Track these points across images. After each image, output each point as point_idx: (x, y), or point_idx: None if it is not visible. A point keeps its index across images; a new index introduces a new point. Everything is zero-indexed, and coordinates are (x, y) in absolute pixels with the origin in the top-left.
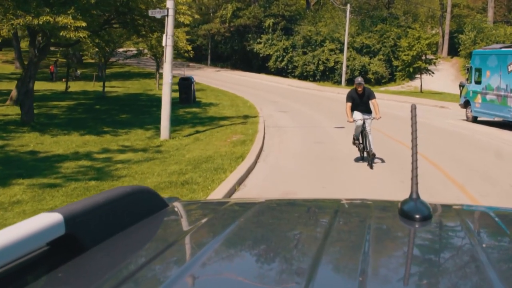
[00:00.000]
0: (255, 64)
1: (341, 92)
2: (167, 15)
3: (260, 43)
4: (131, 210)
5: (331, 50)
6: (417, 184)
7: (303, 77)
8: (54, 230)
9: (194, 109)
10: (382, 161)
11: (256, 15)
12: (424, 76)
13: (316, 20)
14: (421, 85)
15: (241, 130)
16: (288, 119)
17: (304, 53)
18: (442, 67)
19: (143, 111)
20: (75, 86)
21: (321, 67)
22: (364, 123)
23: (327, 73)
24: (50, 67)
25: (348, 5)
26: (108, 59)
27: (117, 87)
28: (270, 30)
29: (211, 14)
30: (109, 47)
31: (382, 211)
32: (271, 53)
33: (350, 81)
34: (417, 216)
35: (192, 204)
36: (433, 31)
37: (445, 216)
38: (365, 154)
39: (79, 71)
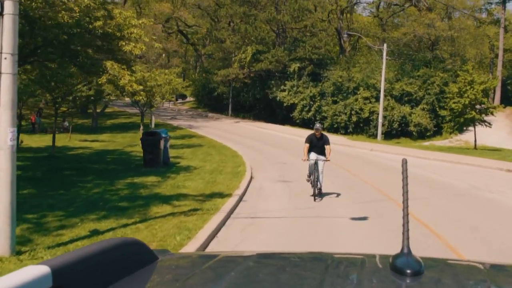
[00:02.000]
0: (279, 114)
1: (375, 149)
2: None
3: (284, 90)
4: (121, 262)
5: (366, 98)
6: (408, 238)
7: (333, 129)
8: (41, 283)
9: (150, 178)
10: None
11: (280, 59)
12: (476, 128)
13: (350, 65)
14: (475, 140)
15: (178, 230)
16: (284, 197)
17: (335, 102)
18: (496, 118)
19: (72, 181)
20: (43, 140)
21: (354, 118)
22: (316, 163)
23: (361, 124)
24: (31, 116)
25: (385, 45)
26: (59, 105)
27: (99, 142)
28: (295, 75)
29: (232, 59)
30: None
31: (373, 265)
32: (297, 101)
33: (388, 134)
34: (409, 271)
35: (182, 258)
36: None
37: (437, 271)
38: (316, 191)
39: (67, 122)
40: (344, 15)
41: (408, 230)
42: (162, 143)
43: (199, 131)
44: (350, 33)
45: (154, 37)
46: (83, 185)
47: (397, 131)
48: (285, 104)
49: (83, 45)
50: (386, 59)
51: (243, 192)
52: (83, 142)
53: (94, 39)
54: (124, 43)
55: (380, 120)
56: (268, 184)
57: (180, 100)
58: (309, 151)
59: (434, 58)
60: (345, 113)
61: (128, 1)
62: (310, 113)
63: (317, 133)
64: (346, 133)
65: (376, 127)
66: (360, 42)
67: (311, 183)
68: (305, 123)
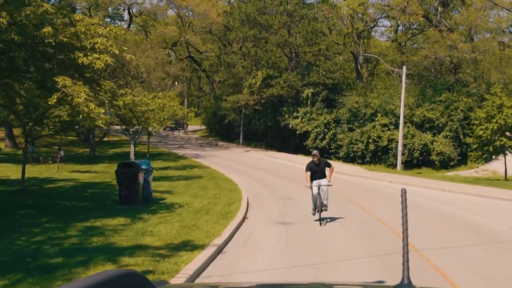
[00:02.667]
0: (292, 142)
1: (395, 180)
2: None
3: (296, 117)
4: None
5: (384, 125)
6: (408, 269)
7: (349, 158)
8: None
9: (117, 220)
10: None
11: (292, 84)
12: (507, 157)
13: (367, 90)
14: (505, 170)
15: None
16: (277, 247)
17: (351, 130)
18: None
19: (19, 224)
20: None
21: (372, 147)
22: (319, 189)
23: (379, 153)
24: (23, 145)
25: (404, 67)
26: (30, 133)
27: (90, 173)
28: (308, 101)
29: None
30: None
31: None
32: (310, 129)
33: (408, 164)
34: None
35: None
36: None
37: None
38: (320, 216)
39: (62, 151)
40: (361, 40)
41: (408, 260)
42: (141, 176)
43: (205, 161)
44: (367, 54)
45: (125, 48)
46: (29, 230)
47: (418, 161)
48: (298, 132)
49: (30, 57)
50: (406, 82)
51: (226, 240)
52: (72, 173)
53: (42, 49)
54: (81, 55)
55: (400, 148)
56: (263, 227)
57: (181, 129)
58: (311, 179)
59: (457, 82)
60: (362, 141)
61: (133, 25)
62: (325, 141)
63: (315, 159)
64: (363, 162)
65: (395, 156)
66: (378, 68)
67: (317, 210)
68: (319, 152)
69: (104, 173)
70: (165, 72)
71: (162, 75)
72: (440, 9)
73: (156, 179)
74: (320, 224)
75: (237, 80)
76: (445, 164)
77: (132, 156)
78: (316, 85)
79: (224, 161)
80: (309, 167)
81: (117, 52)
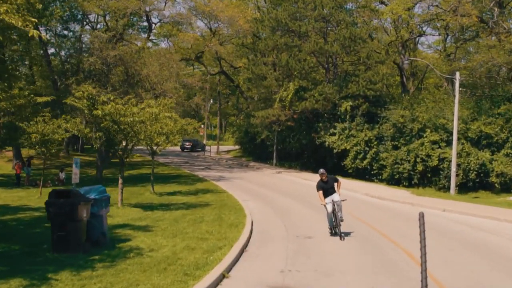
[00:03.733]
0: (329, 163)
1: (450, 208)
2: None
3: (333, 134)
4: None
5: (434, 142)
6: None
7: (394, 181)
8: None
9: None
10: None
11: (328, 96)
12: None
13: (414, 102)
14: None
15: None
16: None
17: (395, 148)
18: None
19: None
20: (16, 197)
21: (420, 167)
22: (334, 205)
23: (429, 175)
24: (16, 166)
25: (458, 73)
26: None
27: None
28: (347, 116)
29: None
30: None
31: None
32: (349, 147)
33: (463, 187)
34: None
35: None
36: None
37: None
38: (336, 231)
39: (64, 173)
40: (406, 51)
41: (426, 285)
42: (83, 210)
43: (226, 184)
44: (413, 59)
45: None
46: None
47: (475, 183)
48: (335, 151)
49: None
50: (460, 91)
51: None
52: None
53: None
54: None
55: (453, 169)
56: None
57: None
58: (324, 196)
59: None
60: (409, 161)
61: (155, 36)
62: (366, 161)
63: (323, 178)
64: (410, 185)
65: (447, 177)
66: (426, 82)
67: (333, 228)
68: (360, 173)
69: None
70: (181, 83)
71: (176, 86)
72: (496, 10)
73: (151, 207)
74: (340, 239)
75: (269, 93)
76: (507, 187)
77: (75, 179)
78: (356, 97)
79: (248, 184)
80: (320, 186)
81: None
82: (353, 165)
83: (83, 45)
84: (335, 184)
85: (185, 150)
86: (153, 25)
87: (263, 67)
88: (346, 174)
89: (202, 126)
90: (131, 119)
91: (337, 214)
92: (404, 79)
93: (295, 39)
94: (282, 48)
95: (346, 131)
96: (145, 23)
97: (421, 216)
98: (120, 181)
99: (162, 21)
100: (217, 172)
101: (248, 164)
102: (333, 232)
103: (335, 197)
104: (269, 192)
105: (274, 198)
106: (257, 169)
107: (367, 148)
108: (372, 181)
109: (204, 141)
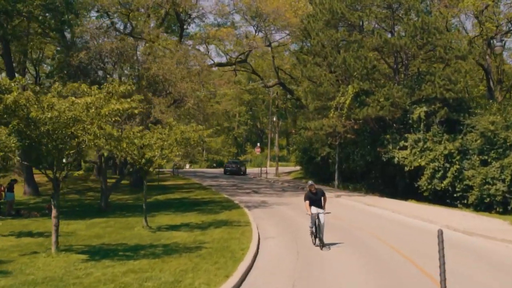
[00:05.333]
0: (400, 183)
1: None
2: None
3: (404, 148)
4: None
5: None
6: None
7: (483, 205)
8: None
9: None
10: None
11: (396, 101)
12: None
13: (508, 107)
14: None
15: None
16: None
17: (484, 163)
18: None
19: None
20: None
21: None
22: (318, 216)
23: None
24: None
25: None
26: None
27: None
28: (421, 125)
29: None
30: None
31: None
32: (424, 164)
33: None
34: None
35: None
36: None
37: None
38: (317, 240)
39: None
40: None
41: None
42: None
43: (262, 212)
44: (507, 39)
45: None
46: None
47: None
48: (407, 169)
49: None
50: None
51: None
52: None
53: None
54: None
55: None
56: None
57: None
58: (310, 205)
59: None
60: (503, 180)
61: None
62: (446, 181)
63: (312, 189)
64: (505, 211)
65: None
66: None
67: (312, 233)
68: (438, 197)
69: (66, 235)
70: (200, 82)
71: (195, 87)
72: None
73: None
74: (321, 249)
75: (324, 101)
76: None
77: None
78: (431, 101)
79: (291, 212)
80: (308, 197)
81: None
82: (429, 186)
83: (75, 38)
84: (322, 198)
85: (227, 173)
86: (186, 24)
87: (315, 69)
88: (421, 198)
89: (258, 144)
90: (51, 115)
91: (320, 225)
92: (492, 83)
93: (354, 33)
94: (338, 44)
95: (420, 144)
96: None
97: (440, 233)
98: (54, 213)
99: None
100: (262, 197)
101: (305, 187)
102: (313, 241)
103: (320, 210)
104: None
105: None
106: None
107: (447, 165)
108: (455, 206)
109: (268, 163)
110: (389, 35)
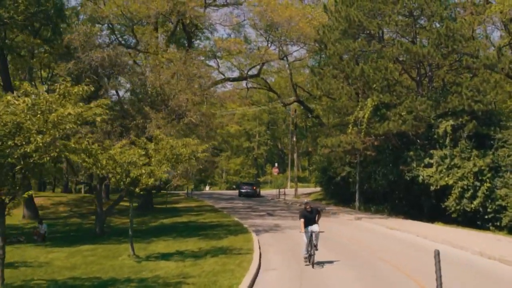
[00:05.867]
0: (425, 204)
1: None
2: None
3: (429, 165)
4: None
5: None
6: None
7: None
8: None
9: None
10: None
11: (420, 114)
12: None
13: None
14: None
15: None
16: None
17: None
18: None
19: None
20: None
21: None
22: (311, 235)
23: None
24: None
25: None
26: None
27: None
28: (447, 140)
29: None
30: None
31: None
32: (451, 182)
33: None
34: None
35: None
36: None
37: None
38: (310, 261)
39: (44, 225)
40: None
41: None
42: None
43: (271, 237)
44: None
45: None
46: None
47: None
48: (432, 188)
49: None
50: None
51: None
52: None
53: None
54: None
55: None
56: None
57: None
58: (305, 224)
59: None
60: None
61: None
62: (476, 201)
63: (307, 207)
64: None
65: None
66: None
67: (307, 257)
68: (468, 219)
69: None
70: (202, 94)
71: (194, 98)
72: None
73: None
74: (312, 267)
75: (342, 116)
76: None
77: None
78: (458, 114)
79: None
80: (303, 215)
81: None
82: (458, 207)
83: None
84: (317, 216)
85: (242, 195)
86: (193, 36)
87: (332, 81)
88: (448, 220)
89: (276, 164)
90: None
91: (313, 243)
92: None
93: (373, 42)
94: (356, 54)
95: (447, 161)
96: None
97: (437, 253)
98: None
99: (204, 28)
100: (276, 220)
101: (324, 209)
102: (308, 260)
103: (315, 227)
104: (323, 249)
105: (321, 261)
106: (332, 215)
107: (477, 183)
108: (487, 229)
109: (288, 184)
110: (411, 44)
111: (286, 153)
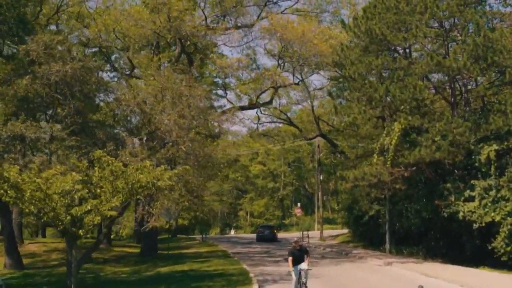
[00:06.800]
0: (467, 245)
1: None
2: None
3: (470, 199)
4: None
5: None
6: None
7: None
8: None
9: None
10: None
11: (457, 139)
12: None
13: None
14: None
15: None
16: None
17: None
18: None
19: None
20: None
21: None
22: (300, 273)
23: None
24: None
25: None
26: None
27: None
28: (491, 168)
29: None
30: None
31: None
32: (498, 218)
33: None
34: None
35: None
36: None
37: None
38: None
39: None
40: None
41: None
42: None
43: None
44: None
45: None
46: None
47: None
48: (475, 226)
49: None
50: None
51: None
52: None
53: None
54: None
55: None
56: None
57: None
58: (293, 263)
59: None
60: None
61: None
62: None
63: (296, 245)
64: None
65: None
66: None
67: None
68: None
69: None
70: (190, 113)
71: (177, 119)
72: None
73: None
74: None
75: (366, 144)
76: None
77: None
78: (503, 137)
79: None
80: (292, 253)
81: None
82: (508, 248)
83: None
84: (306, 255)
85: (259, 240)
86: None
87: (352, 105)
88: (497, 263)
89: (299, 204)
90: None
91: (302, 281)
92: None
93: (398, 57)
94: (379, 73)
95: (492, 193)
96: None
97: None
98: None
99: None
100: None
101: (350, 252)
102: None
103: (303, 265)
104: None
105: None
106: (359, 259)
107: None
108: None
109: (315, 226)
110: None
111: (313, 193)
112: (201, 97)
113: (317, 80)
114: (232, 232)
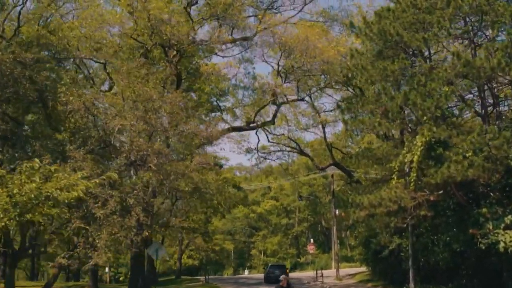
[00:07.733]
0: (508, 283)
1: None
2: None
3: (509, 227)
4: None
5: None
6: None
7: None
8: None
9: None
10: None
11: (493, 154)
12: None
13: None
14: None
15: None
16: None
17: None
18: None
19: None
20: None
21: None
22: None
23: None
24: None
25: None
26: None
27: None
28: None
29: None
30: None
31: None
32: None
33: None
34: None
35: None
36: None
37: None
38: None
39: None
40: None
41: None
42: None
43: None
44: None
45: None
46: None
47: None
48: None
49: None
50: None
51: None
52: None
53: None
54: None
55: None
56: None
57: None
58: None
59: None
60: None
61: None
62: None
63: (283, 283)
64: None
65: None
66: None
67: None
68: None
69: None
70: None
71: (142, 126)
72: None
73: None
74: None
75: (384, 166)
76: None
77: None
78: None
79: None
80: None
81: None
82: None
83: None
84: None
85: (266, 281)
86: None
87: (365, 119)
88: None
89: (312, 240)
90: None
91: None
92: None
93: (418, 59)
94: (396, 79)
95: None
96: None
97: None
98: None
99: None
100: None
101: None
102: None
103: None
104: None
105: None
106: None
107: None
108: None
109: (332, 264)
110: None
111: (330, 229)
112: (175, 103)
113: (328, 103)
114: (246, 272)
